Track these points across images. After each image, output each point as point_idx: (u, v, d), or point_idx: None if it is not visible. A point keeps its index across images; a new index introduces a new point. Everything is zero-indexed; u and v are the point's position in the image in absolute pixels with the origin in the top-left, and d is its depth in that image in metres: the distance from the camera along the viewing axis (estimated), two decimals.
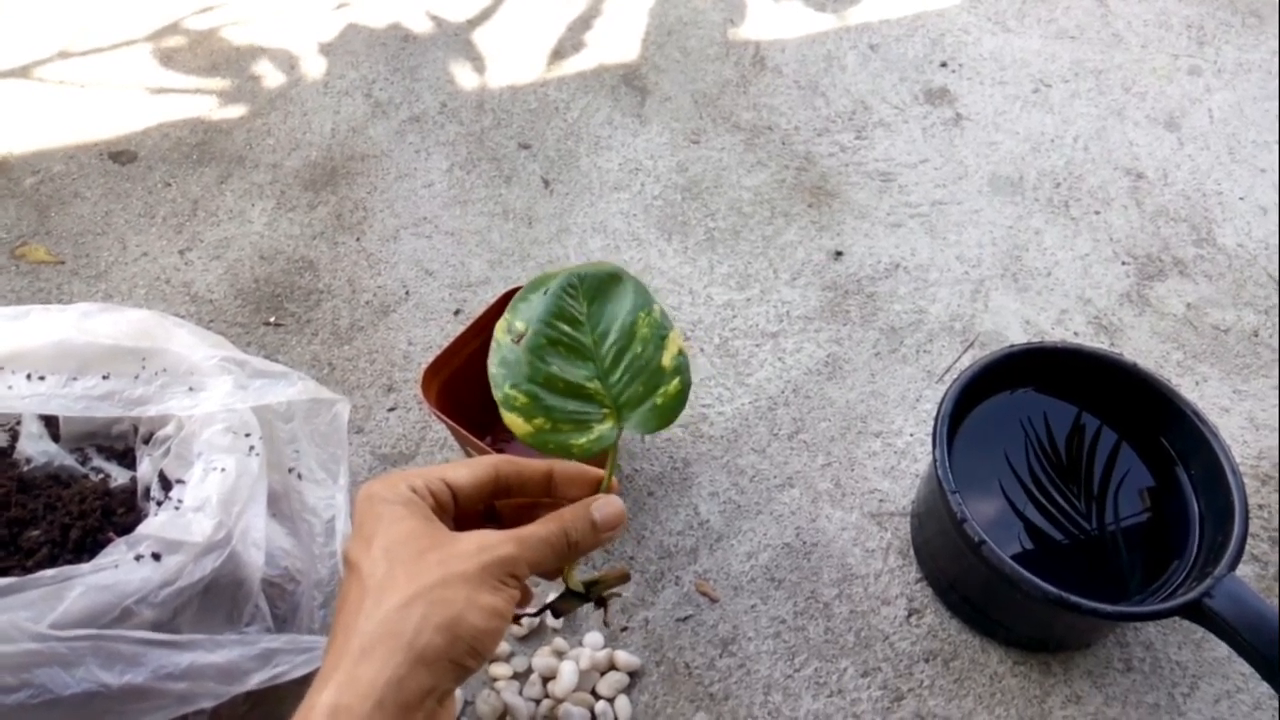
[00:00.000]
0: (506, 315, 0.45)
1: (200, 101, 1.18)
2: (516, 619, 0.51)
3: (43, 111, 1.17)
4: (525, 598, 0.48)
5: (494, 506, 0.48)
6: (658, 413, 0.44)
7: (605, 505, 0.45)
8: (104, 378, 0.62)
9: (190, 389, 0.61)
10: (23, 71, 1.21)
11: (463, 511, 0.45)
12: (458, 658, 0.39)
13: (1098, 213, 1.08)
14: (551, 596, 0.51)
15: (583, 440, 0.43)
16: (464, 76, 1.21)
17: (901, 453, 0.91)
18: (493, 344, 0.44)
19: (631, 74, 1.21)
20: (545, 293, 0.44)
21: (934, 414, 0.76)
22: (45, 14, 1.29)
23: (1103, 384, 0.81)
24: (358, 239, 1.05)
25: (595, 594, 0.49)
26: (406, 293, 1.01)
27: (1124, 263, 1.04)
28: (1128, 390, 0.80)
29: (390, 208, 1.08)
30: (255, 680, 0.56)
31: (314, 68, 1.22)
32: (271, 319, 0.99)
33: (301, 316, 1.00)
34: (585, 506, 0.45)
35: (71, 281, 1.02)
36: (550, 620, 0.81)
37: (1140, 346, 0.97)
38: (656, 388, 0.44)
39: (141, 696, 0.55)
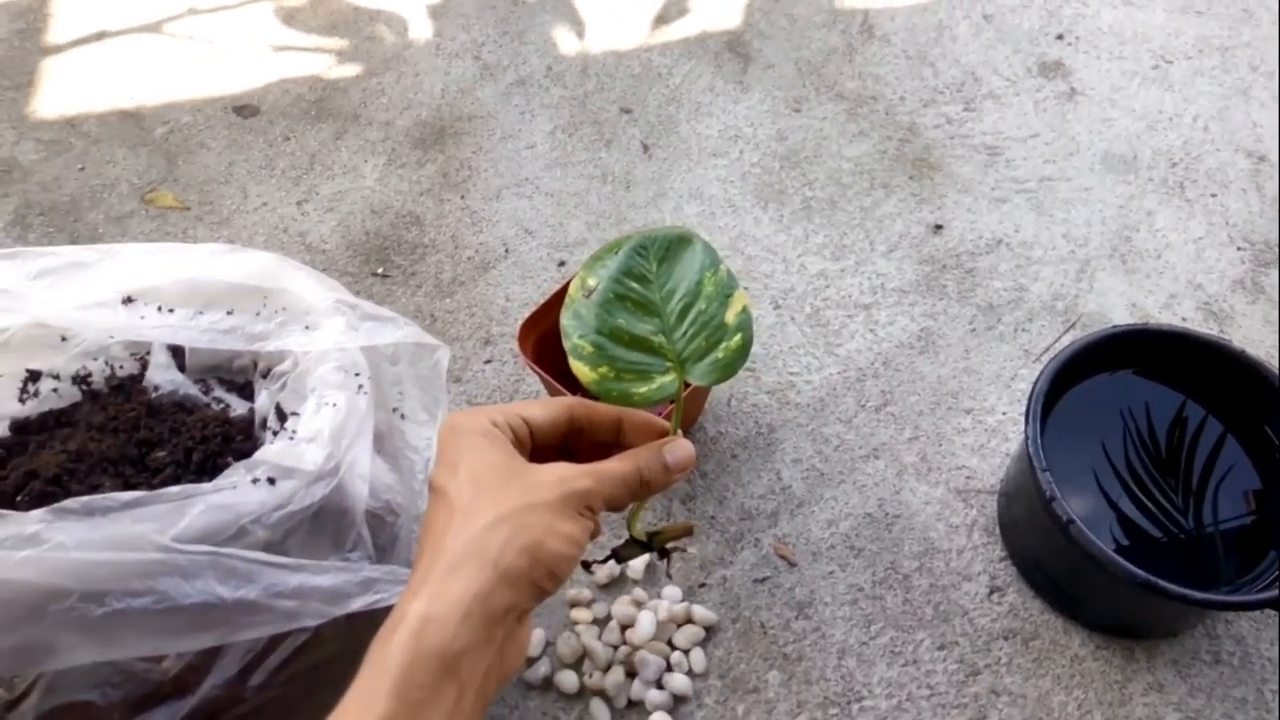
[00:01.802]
0: (580, 273, 0.47)
1: (319, 60, 1.23)
2: (587, 566, 0.53)
3: (173, 65, 1.24)
4: (597, 531, 0.50)
5: (567, 446, 0.49)
6: (719, 366, 0.45)
7: (677, 447, 0.46)
8: (228, 313, 0.66)
9: (306, 328, 0.64)
10: (155, 27, 1.28)
11: (538, 447, 0.47)
12: (537, 579, 0.41)
13: (1214, 195, 1.04)
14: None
15: (644, 389, 0.45)
16: (569, 41, 1.23)
17: (992, 430, 0.90)
18: (566, 299, 0.46)
19: (735, 40, 1.21)
20: (618, 253, 0.47)
21: (1029, 392, 0.75)
22: None
23: (1207, 370, 0.79)
24: (462, 196, 1.09)
25: (658, 545, 0.51)
26: (506, 250, 1.04)
27: (1239, 248, 1.00)
28: (1233, 377, 0.77)
29: (494, 167, 1.11)
30: (357, 604, 0.60)
31: (426, 30, 1.25)
32: (379, 270, 1.03)
33: (407, 269, 1.03)
34: (658, 448, 0.46)
35: (196, 227, 1.07)
36: (630, 571, 0.83)
37: (1251, 335, 0.94)
38: (719, 343, 0.45)
39: (252, 610, 0.59)
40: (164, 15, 1.30)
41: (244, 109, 1.19)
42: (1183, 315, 0.96)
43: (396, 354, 0.68)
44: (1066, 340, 0.94)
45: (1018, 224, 1.03)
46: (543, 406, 0.47)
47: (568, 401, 0.48)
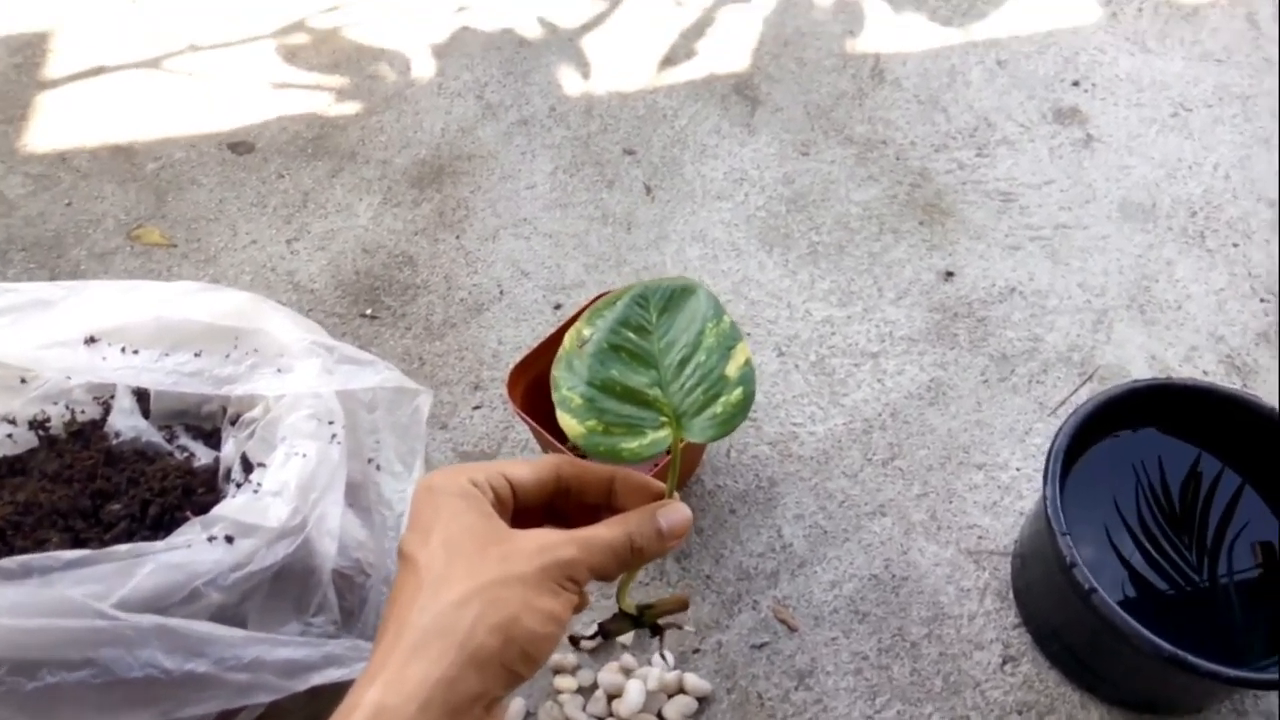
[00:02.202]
0: (577, 325, 0.44)
1: (319, 97, 1.21)
2: (574, 641, 0.49)
3: (169, 101, 1.22)
4: (582, 604, 0.46)
5: (554, 507, 0.45)
6: (717, 421, 0.42)
7: (672, 512, 0.43)
8: (196, 355, 0.62)
9: (279, 371, 0.61)
10: (154, 63, 1.26)
11: (522, 509, 0.43)
12: (510, 662, 0.37)
13: (1236, 245, 1.00)
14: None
15: (634, 445, 0.42)
16: (573, 82, 1.20)
17: (1006, 488, 0.85)
18: (560, 351, 0.44)
19: (743, 83, 1.19)
20: (613, 303, 0.44)
21: (1046, 449, 0.70)
22: (178, 7, 1.34)
23: (1233, 428, 0.74)
24: (457, 236, 1.06)
25: (649, 619, 0.46)
26: (501, 292, 1.01)
27: (1263, 300, 0.96)
28: (1261, 435, 0.73)
29: (492, 207, 1.08)
30: (316, 679, 0.55)
31: (429, 69, 1.23)
32: (368, 311, 1.00)
33: (397, 310, 1.00)
34: (651, 512, 0.42)
35: (182, 265, 1.04)
36: (621, 638, 0.78)
37: (1275, 390, 0.89)
38: (717, 396, 0.43)
39: (201, 685, 0.55)
40: (164, 51, 1.28)
41: (239, 146, 1.17)
42: (1204, 369, 0.91)
43: (374, 400, 0.64)
44: (1084, 393, 0.90)
45: (1032, 272, 0.99)
46: (529, 465, 0.43)
47: (555, 460, 0.44)
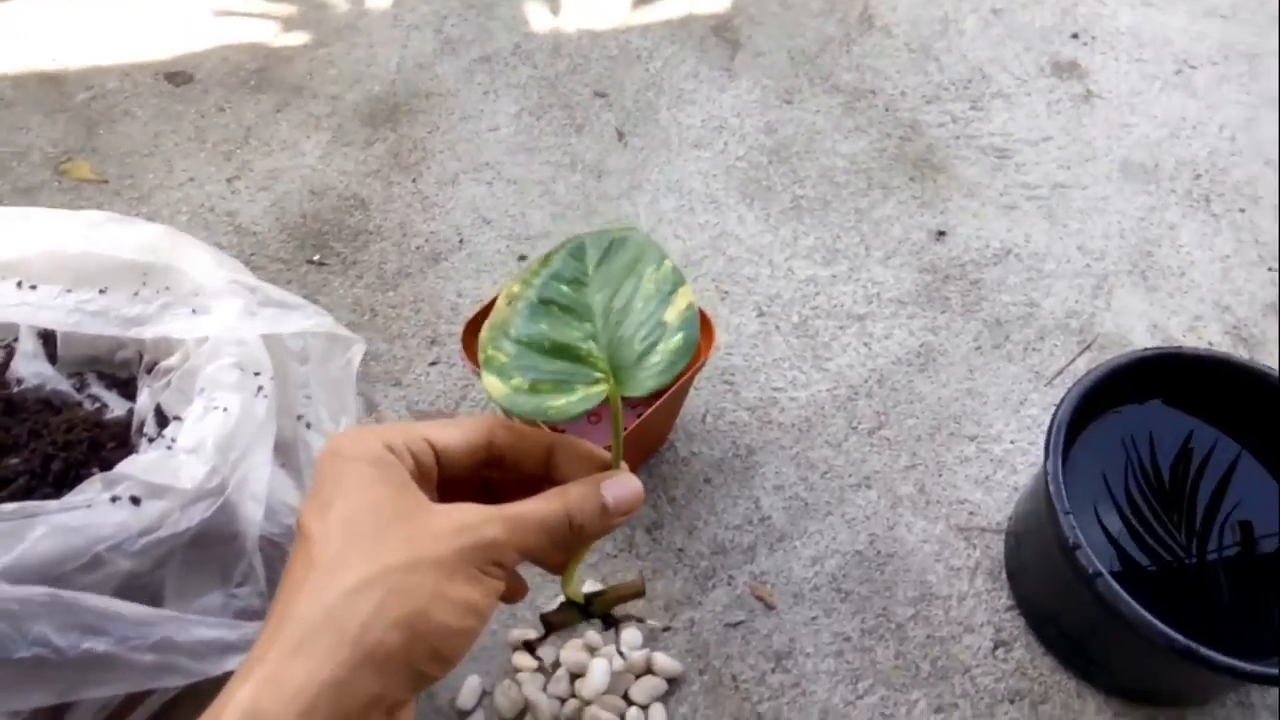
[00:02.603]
0: (509, 285, 0.40)
1: (264, 26, 1.12)
2: (529, 647, 0.43)
3: (102, 27, 1.12)
4: (514, 592, 0.39)
5: (488, 481, 0.40)
6: (655, 371, 0.38)
7: (619, 484, 0.37)
8: (100, 292, 0.54)
9: (193, 311, 0.53)
10: None
11: (449, 480, 0.37)
12: (416, 661, 0.31)
13: (1243, 210, 0.95)
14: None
15: (560, 402, 0.37)
16: (541, 18, 1.12)
17: (999, 461, 0.80)
18: (490, 315, 0.39)
19: (723, 25, 1.11)
20: (545, 258, 0.40)
21: (1041, 420, 0.65)
22: None
23: (1246, 402, 0.69)
24: (414, 180, 0.98)
25: (599, 609, 0.40)
26: (460, 241, 0.93)
27: (1270, 268, 0.91)
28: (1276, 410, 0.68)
29: (451, 150, 1.00)
30: (233, 663, 0.48)
31: None
32: (316, 257, 0.92)
33: (347, 257, 0.92)
34: (594, 484, 0.37)
35: (114, 202, 0.96)
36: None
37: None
38: (655, 345, 0.38)
39: (103, 665, 0.48)
40: None
41: (176, 76, 1.07)
42: (1209, 339, 0.86)
43: (305, 351, 0.57)
44: (1082, 363, 0.85)
45: (1028, 233, 0.93)
46: (457, 427, 0.37)
47: (488, 422, 0.38)
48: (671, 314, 0.39)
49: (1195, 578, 0.66)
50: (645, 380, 0.38)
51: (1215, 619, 0.64)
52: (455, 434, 0.37)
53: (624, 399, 0.38)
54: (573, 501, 0.36)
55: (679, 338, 0.38)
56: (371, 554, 0.31)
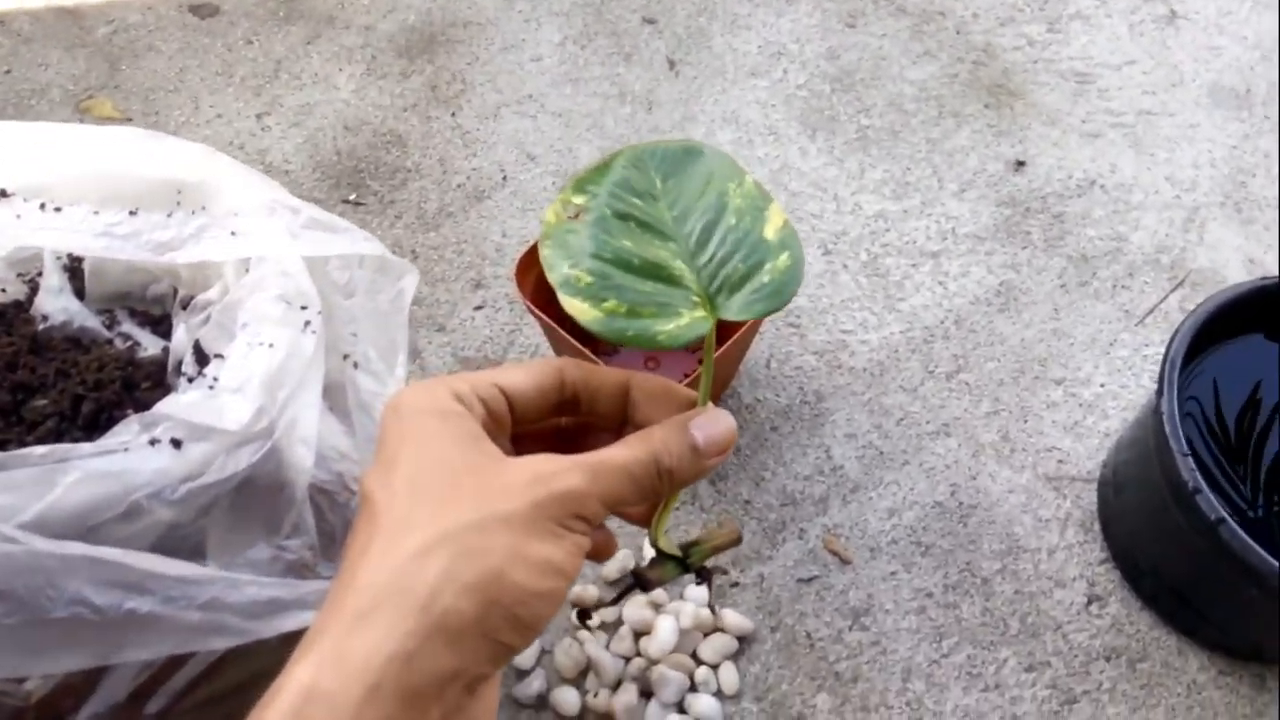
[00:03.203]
0: (560, 197, 0.35)
1: None
2: (584, 615, 0.39)
3: None
4: (603, 548, 0.35)
5: (563, 429, 0.36)
6: (766, 293, 0.34)
7: (710, 422, 0.32)
8: (131, 214, 0.49)
9: (232, 233, 0.48)
10: None
11: (523, 428, 0.33)
12: (493, 630, 0.27)
13: None
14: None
15: (670, 326, 0.33)
16: None
17: (1089, 406, 0.74)
18: (542, 230, 0.34)
19: None
20: (603, 167, 0.36)
21: (1136, 363, 0.60)
22: None
23: None
24: (453, 114, 0.92)
25: (696, 561, 0.36)
26: (504, 178, 0.88)
27: None
28: None
29: (492, 82, 0.94)
30: (290, 624, 0.44)
31: None
32: (351, 196, 0.87)
33: (385, 196, 0.87)
34: (682, 424, 0.32)
35: None
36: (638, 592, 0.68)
37: None
38: (761, 264, 0.34)
39: (144, 625, 0.44)
40: None
41: (201, 8, 1.02)
42: None
43: (352, 284, 0.52)
44: (1174, 301, 0.79)
45: (1113, 163, 0.86)
46: (525, 370, 0.33)
47: (558, 362, 0.34)
48: (770, 231, 0.34)
49: (1261, 529, 0.61)
50: (754, 304, 0.33)
51: None
52: (525, 376, 0.33)
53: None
54: (659, 444, 0.32)
55: (785, 256, 0.34)
56: (439, 514, 0.27)
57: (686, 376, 0.65)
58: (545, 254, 0.33)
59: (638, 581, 0.36)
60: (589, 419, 0.35)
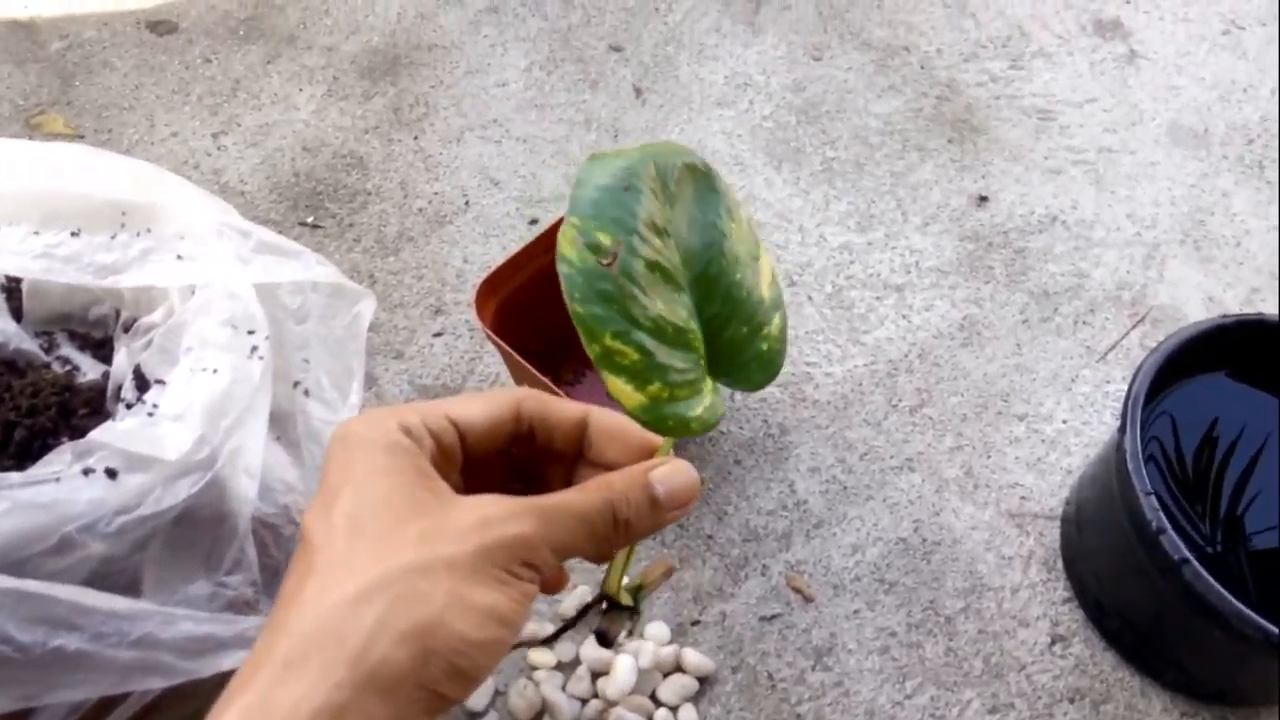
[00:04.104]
0: (574, 221, 0.29)
1: None
2: (533, 644, 0.37)
3: None
4: (554, 584, 0.33)
5: (518, 463, 0.34)
6: (761, 362, 0.32)
7: (672, 474, 0.30)
8: (73, 234, 0.47)
9: (179, 257, 0.46)
10: None
11: (475, 462, 0.31)
12: (430, 681, 0.25)
13: None
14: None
15: (699, 410, 0.30)
16: None
17: (1051, 442, 0.74)
18: (562, 265, 0.29)
19: None
20: (625, 188, 0.30)
21: (1098, 399, 0.59)
22: None
23: None
24: (415, 138, 0.91)
25: (642, 602, 0.34)
26: (467, 203, 0.86)
27: None
28: None
29: (456, 106, 0.93)
30: (227, 662, 0.42)
31: None
32: (309, 219, 0.85)
33: (343, 219, 0.85)
34: (643, 473, 0.30)
35: None
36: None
37: None
38: (760, 328, 0.31)
39: (75, 665, 0.41)
40: None
41: (159, 25, 1.00)
42: (1268, 312, 0.81)
43: (304, 309, 0.50)
44: (1135, 337, 0.79)
45: (1075, 199, 0.87)
46: (481, 401, 0.31)
47: (515, 394, 0.32)
48: (764, 286, 0.32)
49: (1221, 567, 0.61)
50: (753, 374, 0.31)
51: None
52: (479, 408, 0.31)
53: None
54: (618, 494, 0.30)
55: (777, 319, 0.32)
56: (378, 555, 0.26)
57: None
58: (581, 312, 0.29)
59: (600, 638, 0.35)
60: (543, 451, 0.33)
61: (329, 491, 0.28)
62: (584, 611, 0.36)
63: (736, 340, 0.31)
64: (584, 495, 0.30)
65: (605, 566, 0.33)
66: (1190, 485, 0.64)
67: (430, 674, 0.25)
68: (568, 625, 0.37)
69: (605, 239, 0.30)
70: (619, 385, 0.30)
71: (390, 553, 0.26)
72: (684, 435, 0.30)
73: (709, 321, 0.31)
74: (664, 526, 0.32)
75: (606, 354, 0.30)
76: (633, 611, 0.35)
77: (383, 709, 0.25)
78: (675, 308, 0.30)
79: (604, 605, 0.35)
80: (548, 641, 0.62)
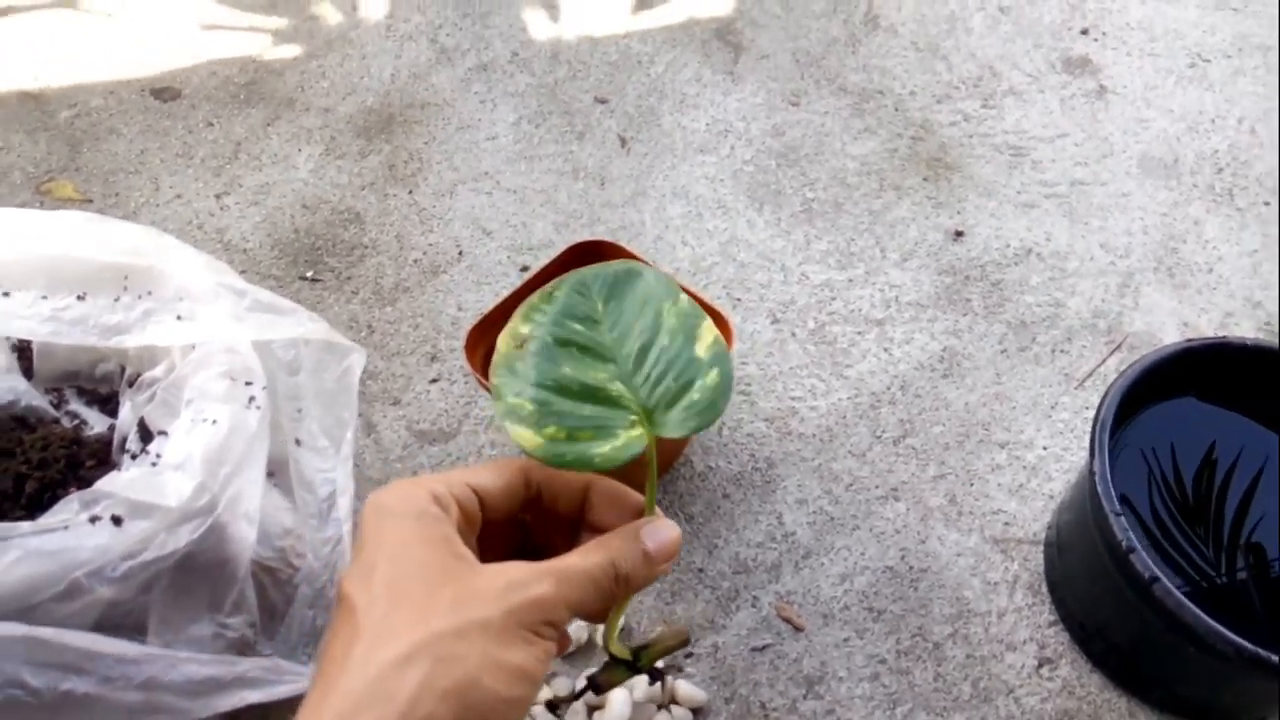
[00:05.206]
0: (510, 325, 0.37)
1: (254, 40, 1.08)
2: (553, 708, 0.40)
3: (86, 44, 1.08)
4: (561, 645, 0.36)
5: (521, 524, 0.38)
6: (696, 410, 0.36)
7: (658, 530, 0.35)
8: (79, 298, 0.50)
9: (179, 317, 0.49)
10: (69, 2, 1.13)
11: (490, 525, 0.35)
12: None
13: (1268, 204, 0.92)
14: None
15: (606, 449, 0.35)
16: (539, 24, 1.09)
17: (1032, 469, 0.76)
18: (495, 356, 0.36)
19: (725, 28, 1.08)
20: (553, 296, 0.38)
21: (1077, 425, 0.62)
22: None
23: None
24: (410, 192, 0.94)
25: (646, 663, 0.38)
26: (460, 253, 0.89)
27: None
28: None
29: (449, 160, 0.96)
30: (228, 703, 0.44)
31: (377, 9, 1.11)
32: (309, 273, 0.88)
33: (342, 272, 0.88)
34: (634, 532, 0.35)
35: None
36: (597, 635, 0.67)
37: None
38: (691, 382, 0.36)
39: (83, 707, 0.43)
40: None
41: (163, 92, 1.04)
42: (1242, 336, 0.83)
43: (297, 361, 0.52)
44: (1113, 364, 0.81)
45: (1049, 231, 0.90)
46: (494, 470, 0.35)
47: (522, 463, 0.36)
48: (701, 349, 0.37)
49: (1227, 594, 0.62)
50: (686, 422, 0.35)
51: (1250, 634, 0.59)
52: (494, 477, 0.35)
53: None
54: (616, 551, 0.34)
55: (714, 374, 0.36)
56: (418, 620, 0.29)
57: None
58: (495, 383, 0.35)
59: (591, 686, 0.37)
60: (549, 514, 0.37)
61: (367, 559, 0.31)
62: (584, 689, 0.38)
63: (668, 393, 0.36)
64: (588, 556, 0.33)
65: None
66: (1190, 508, 0.65)
67: None
68: (583, 691, 0.39)
69: (525, 329, 0.36)
70: (519, 433, 0.34)
71: (428, 617, 0.29)
72: (590, 469, 0.34)
73: (644, 382, 0.36)
74: (654, 579, 0.35)
75: (509, 410, 0.34)
76: (632, 667, 0.37)
77: None
78: (591, 371, 0.36)
79: (605, 661, 0.37)
80: (573, 699, 0.64)
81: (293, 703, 0.48)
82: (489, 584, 0.31)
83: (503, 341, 0.36)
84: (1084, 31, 1.06)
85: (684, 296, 0.38)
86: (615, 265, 0.39)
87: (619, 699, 0.63)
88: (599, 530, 0.35)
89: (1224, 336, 0.67)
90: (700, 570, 0.71)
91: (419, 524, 0.32)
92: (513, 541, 0.37)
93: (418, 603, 0.30)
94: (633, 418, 0.36)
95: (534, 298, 0.37)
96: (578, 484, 0.36)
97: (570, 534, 0.37)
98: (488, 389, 0.67)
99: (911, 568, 0.71)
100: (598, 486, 0.37)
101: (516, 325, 0.36)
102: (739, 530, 0.73)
